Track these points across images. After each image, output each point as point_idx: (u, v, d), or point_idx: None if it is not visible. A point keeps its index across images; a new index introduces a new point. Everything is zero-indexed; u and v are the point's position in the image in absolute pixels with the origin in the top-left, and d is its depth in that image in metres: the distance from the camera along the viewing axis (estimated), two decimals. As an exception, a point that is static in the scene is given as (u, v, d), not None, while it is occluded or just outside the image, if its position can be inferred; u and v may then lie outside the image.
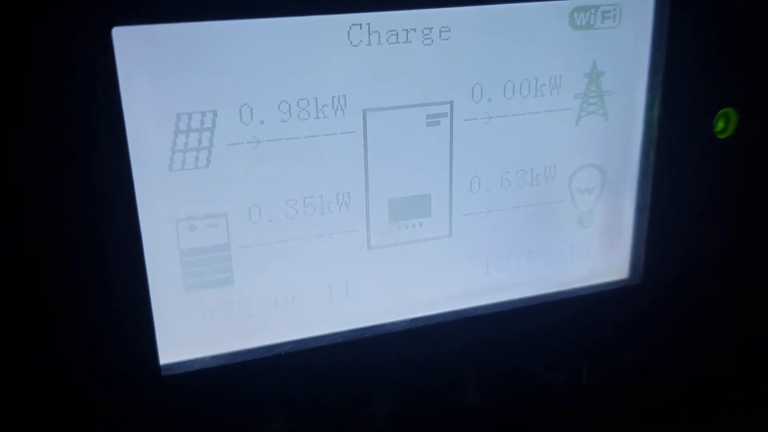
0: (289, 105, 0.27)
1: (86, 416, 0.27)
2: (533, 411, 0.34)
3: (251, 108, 0.27)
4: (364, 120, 0.28)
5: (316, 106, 0.28)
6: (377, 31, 0.27)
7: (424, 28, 0.28)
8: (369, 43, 0.27)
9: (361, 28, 0.27)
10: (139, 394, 0.27)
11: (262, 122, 0.27)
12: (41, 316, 0.25)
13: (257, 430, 0.30)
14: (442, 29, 0.28)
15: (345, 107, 0.28)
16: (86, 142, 0.24)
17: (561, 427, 0.35)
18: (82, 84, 0.23)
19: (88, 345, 0.26)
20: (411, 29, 0.28)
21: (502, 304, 0.33)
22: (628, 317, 0.35)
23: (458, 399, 0.33)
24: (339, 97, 0.28)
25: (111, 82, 0.24)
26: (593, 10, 0.30)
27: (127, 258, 0.26)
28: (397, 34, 0.28)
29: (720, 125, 0.34)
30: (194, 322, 0.29)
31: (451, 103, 0.29)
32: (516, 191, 0.32)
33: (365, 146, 0.29)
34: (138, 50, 0.24)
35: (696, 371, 0.37)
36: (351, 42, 0.27)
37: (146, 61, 0.25)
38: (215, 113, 0.26)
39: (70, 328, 0.26)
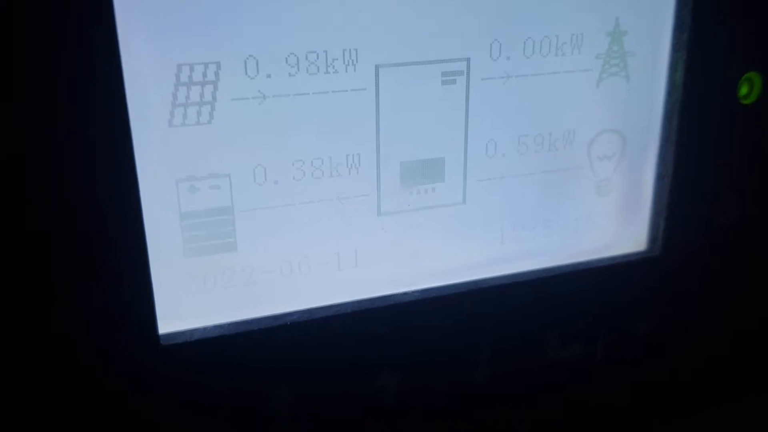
0: (297, 58, 0.25)
1: (83, 386, 0.25)
2: (546, 385, 0.33)
3: (257, 60, 0.25)
4: (377, 76, 0.27)
5: (326, 59, 0.26)
6: (392, -20, 0.26)
7: (442, -22, 0.26)
8: (383, -7, 0.26)
9: (375, -24, 0.25)
10: (137, 364, 0.26)
11: (268, 76, 0.25)
12: (35, 283, 0.24)
13: (260, 402, 0.28)
14: (461, -20, 0.26)
15: (356, 62, 0.26)
16: (82, 93, 0.22)
17: (575, 400, 0.34)
18: (77, 30, 0.22)
19: (84, 313, 0.25)
20: (428, -22, 0.26)
21: (516, 275, 0.31)
22: (645, 290, 0.33)
23: (469, 372, 0.31)
24: (350, 50, 0.26)
25: (108, 28, 0.22)
26: (618, -36, 0.29)
27: (125, 220, 0.24)
28: (413, -17, 0.26)
29: (744, 90, 0.32)
30: (195, 289, 0.27)
31: (468, 60, 0.28)
32: (533, 156, 0.30)
33: (377, 105, 0.27)
34: (137, -8, 0.23)
35: (714, 346, 0.36)
36: (364, -9, 0.26)
37: (146, 6, 0.23)
38: (218, 65, 0.25)
39: (66, 295, 0.24)
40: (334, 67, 0.26)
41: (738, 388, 0.37)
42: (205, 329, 0.27)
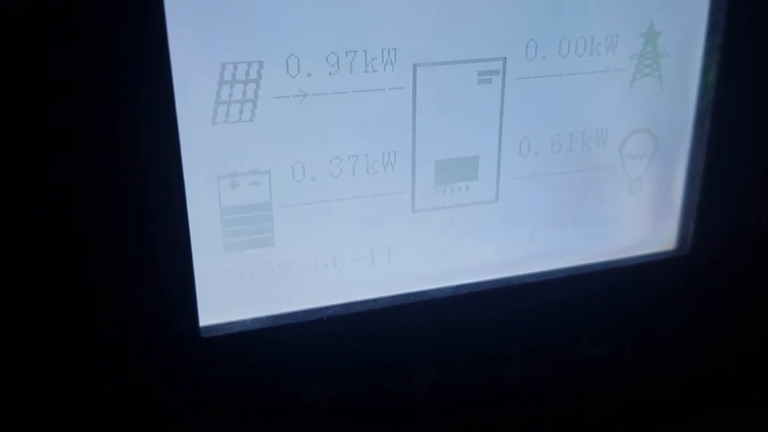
0: (338, 57, 0.26)
1: (125, 378, 0.26)
2: (576, 383, 0.34)
3: (298, 59, 0.25)
4: (414, 75, 0.27)
5: (365, 58, 0.26)
6: (432, -19, 0.26)
7: (480, -21, 0.27)
8: (423, -7, 0.26)
9: (415, -23, 0.26)
10: (178, 356, 0.26)
11: (309, 75, 0.26)
12: (80, 276, 0.24)
13: (296, 395, 0.29)
14: (499, -20, 0.27)
15: (395, 61, 0.27)
16: (133, 93, 0.23)
17: (604, 399, 0.34)
18: (128, 31, 0.22)
19: (127, 306, 0.25)
20: (467, -21, 0.26)
21: (547, 273, 0.31)
22: (674, 289, 0.34)
23: (501, 367, 0.32)
24: (389, 50, 0.26)
25: (159, 29, 0.22)
26: (653, -34, 0.29)
27: (170, 215, 0.25)
28: (452, -16, 0.26)
29: (777, 91, 0.32)
30: (234, 283, 0.28)
31: (504, 59, 0.28)
32: (566, 155, 0.30)
33: (414, 103, 0.28)
34: (186, -7, 0.23)
35: (743, 347, 0.36)
36: (404, -9, 0.26)
37: (193, 7, 0.24)
38: (261, 64, 0.25)
39: (110, 288, 0.25)
40: (373, 66, 0.26)
41: (765, 387, 0.37)
42: (244, 322, 0.27)
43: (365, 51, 0.26)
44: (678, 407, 0.37)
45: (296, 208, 0.28)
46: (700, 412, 0.37)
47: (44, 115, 0.22)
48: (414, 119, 0.28)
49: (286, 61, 0.25)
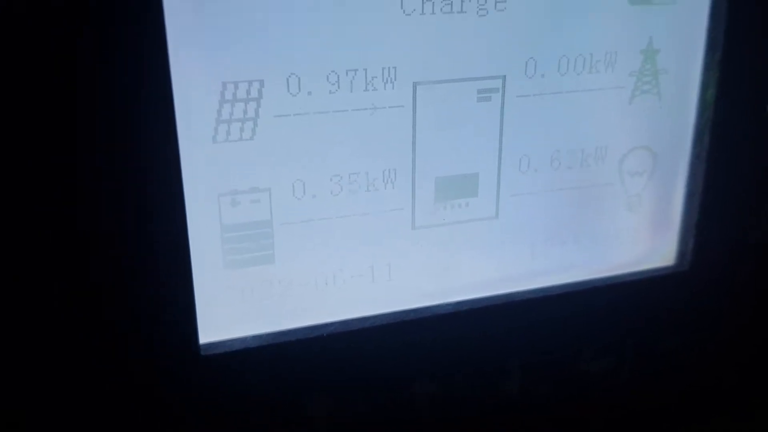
0: (338, 76, 0.26)
1: (124, 396, 0.26)
2: (575, 398, 0.34)
3: (299, 78, 0.26)
4: (414, 93, 0.27)
5: (365, 77, 0.26)
6: (431, 0, 0.26)
7: (480, -2, 0.27)
8: (422, 12, 0.26)
9: (415, -4, 0.26)
10: (179, 374, 0.26)
11: (309, 93, 0.26)
12: (80, 293, 0.24)
13: (298, 412, 0.29)
14: (498, -1, 0.27)
15: (395, 79, 0.27)
16: (134, 111, 0.23)
17: (603, 414, 0.34)
18: (129, 50, 0.22)
19: (127, 323, 0.25)
20: (466, -2, 0.27)
21: (547, 288, 0.32)
22: (674, 305, 0.34)
23: (501, 383, 0.32)
24: (389, 68, 0.27)
25: (160, 48, 0.23)
26: (652, -15, 0.29)
27: (171, 233, 0.25)
28: (451, 4, 0.26)
29: (775, 108, 0.32)
30: (234, 300, 0.28)
31: (504, 77, 0.28)
32: (565, 172, 0.31)
33: (414, 121, 0.28)
34: (187, 13, 0.23)
35: (742, 362, 0.36)
36: (404, 11, 0.26)
37: (194, 27, 0.24)
38: (262, 83, 0.25)
39: (110, 305, 0.25)
40: (373, 84, 0.27)
41: (763, 401, 0.37)
42: (244, 339, 0.27)
43: (365, 70, 0.26)
44: (677, 421, 0.37)
45: (297, 225, 0.28)
46: (698, 425, 0.37)
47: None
48: (414, 137, 0.28)
49: (287, 80, 0.25)
